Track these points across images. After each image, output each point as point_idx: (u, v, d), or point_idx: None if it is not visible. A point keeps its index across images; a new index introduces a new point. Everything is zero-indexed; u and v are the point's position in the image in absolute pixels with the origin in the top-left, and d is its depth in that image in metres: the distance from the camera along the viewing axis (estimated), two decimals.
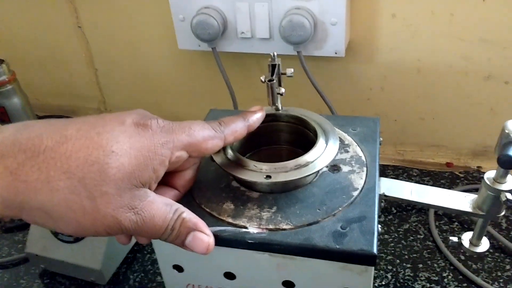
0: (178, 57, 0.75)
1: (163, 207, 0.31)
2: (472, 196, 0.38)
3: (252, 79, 0.73)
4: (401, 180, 0.68)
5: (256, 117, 0.37)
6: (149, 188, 0.31)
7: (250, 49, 0.66)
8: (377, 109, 0.70)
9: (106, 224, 0.29)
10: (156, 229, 0.31)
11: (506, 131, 0.33)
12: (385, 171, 0.71)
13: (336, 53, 0.62)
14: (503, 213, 0.37)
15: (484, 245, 0.40)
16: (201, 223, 0.32)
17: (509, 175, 0.36)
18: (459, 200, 0.38)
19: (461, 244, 0.41)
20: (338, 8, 0.58)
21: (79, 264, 0.56)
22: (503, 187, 0.36)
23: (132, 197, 0.30)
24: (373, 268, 0.33)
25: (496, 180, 0.36)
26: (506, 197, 0.35)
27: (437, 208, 0.38)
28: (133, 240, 0.63)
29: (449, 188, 0.66)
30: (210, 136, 0.34)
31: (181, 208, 0.32)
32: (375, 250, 0.31)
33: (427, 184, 0.67)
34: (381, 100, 0.69)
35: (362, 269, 0.33)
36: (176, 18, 0.67)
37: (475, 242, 0.40)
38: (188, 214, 0.32)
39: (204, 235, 0.32)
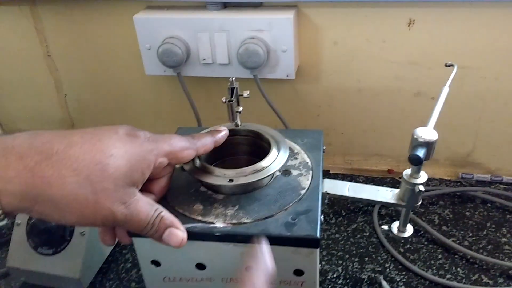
0: (145, 81, 0.81)
1: (147, 205, 0.38)
2: (396, 191, 0.47)
3: (214, 100, 0.80)
4: None
5: (222, 135, 0.45)
6: (137, 187, 0.38)
7: (211, 73, 0.73)
8: (326, 123, 0.78)
9: (103, 215, 0.35)
10: (140, 223, 0.37)
11: (415, 136, 0.42)
12: (335, 179, 0.79)
13: (287, 76, 0.71)
14: (420, 203, 0.46)
15: (409, 231, 0.49)
16: (176, 221, 0.39)
17: (421, 171, 0.45)
18: (386, 194, 0.46)
19: (391, 231, 0.49)
20: (287, 37, 0.67)
21: (59, 275, 0.60)
22: (418, 181, 0.44)
23: (124, 193, 0.36)
24: (317, 250, 0.40)
25: (412, 175, 0.45)
26: (419, 188, 0.44)
27: (369, 202, 0.46)
28: (108, 250, 0.68)
29: None
30: (185, 147, 0.41)
31: (161, 208, 0.39)
32: (318, 235, 0.39)
33: None
34: (329, 116, 0.77)
35: (309, 251, 0.40)
36: (143, 47, 0.73)
37: (401, 228, 0.48)
38: (166, 213, 0.39)
39: (179, 231, 0.39)
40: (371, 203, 0.57)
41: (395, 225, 0.49)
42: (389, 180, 0.78)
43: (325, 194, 0.47)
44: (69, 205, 0.34)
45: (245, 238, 0.40)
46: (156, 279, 0.46)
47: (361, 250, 0.65)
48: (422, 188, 0.44)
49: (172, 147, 0.40)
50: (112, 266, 0.66)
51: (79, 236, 0.61)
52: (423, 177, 0.44)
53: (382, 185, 0.76)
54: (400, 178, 0.78)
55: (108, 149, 0.36)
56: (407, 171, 0.45)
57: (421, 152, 0.40)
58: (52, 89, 0.88)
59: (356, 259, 0.64)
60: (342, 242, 0.67)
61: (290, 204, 0.42)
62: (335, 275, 0.62)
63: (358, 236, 0.68)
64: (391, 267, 0.62)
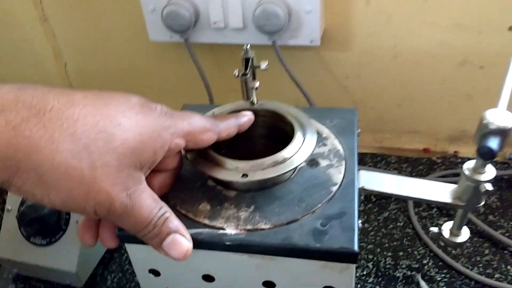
0: (149, 49, 0.73)
1: (151, 199, 0.30)
2: (452, 187, 0.38)
3: (226, 70, 0.71)
4: (379, 167, 0.69)
5: (246, 120, 0.38)
6: (144, 173, 0.30)
7: (223, 39, 0.64)
8: (354, 96, 0.69)
9: (98, 200, 0.28)
10: (139, 221, 0.29)
11: (485, 121, 0.32)
12: (363, 159, 0.71)
13: (311, 41, 0.61)
14: (482, 203, 0.37)
15: (464, 235, 0.40)
16: (182, 227, 0.31)
17: (488, 165, 0.36)
18: (439, 191, 0.37)
19: (441, 234, 0.40)
20: None
21: (54, 267, 0.55)
22: (482, 177, 0.35)
23: (129, 176, 0.28)
24: (354, 265, 0.32)
25: (475, 170, 0.35)
26: (485, 188, 0.35)
27: (417, 200, 0.37)
28: None
29: (427, 174, 0.67)
30: (207, 128, 0.34)
31: (167, 207, 0.31)
32: (356, 248, 0.31)
33: (405, 171, 0.67)
34: (358, 88, 0.68)
35: (344, 266, 0.32)
36: (146, 8, 0.64)
37: (455, 232, 0.40)
38: (171, 215, 0.31)
39: (185, 240, 0.31)
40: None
41: (446, 227, 0.40)
42: (425, 160, 0.69)
43: (361, 190, 0.38)
44: (57, 179, 0.26)
45: (262, 249, 0.32)
46: None
47: (395, 243, 0.57)
48: (489, 187, 0.35)
49: (191, 126, 0.32)
50: (115, 256, 0.60)
51: (75, 225, 0.54)
52: (489, 172, 0.35)
53: (417, 166, 0.69)
54: (438, 158, 0.69)
55: (116, 117, 0.28)
56: (469, 164, 0.36)
57: (494, 143, 0.30)
58: (51, 57, 0.80)
59: (389, 254, 0.56)
60: (373, 233, 0.59)
61: (319, 205, 0.34)
62: (365, 272, 0.54)
63: (391, 226, 0.59)
64: (430, 264, 0.54)
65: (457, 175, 0.66)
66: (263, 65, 0.38)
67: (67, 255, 0.54)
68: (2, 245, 0.56)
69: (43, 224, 0.54)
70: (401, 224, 0.60)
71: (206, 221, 0.34)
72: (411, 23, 0.60)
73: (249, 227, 0.33)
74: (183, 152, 0.37)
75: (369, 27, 0.62)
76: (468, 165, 0.36)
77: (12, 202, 0.57)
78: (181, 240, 0.31)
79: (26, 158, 0.26)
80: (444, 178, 0.65)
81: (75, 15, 0.73)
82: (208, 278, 0.36)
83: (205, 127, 0.34)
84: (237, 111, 0.39)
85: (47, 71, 0.82)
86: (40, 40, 0.78)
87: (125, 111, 0.29)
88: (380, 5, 0.60)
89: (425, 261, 0.55)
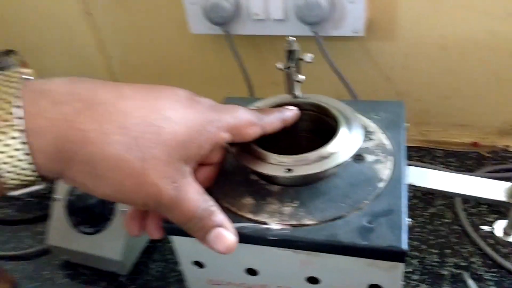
0: (190, 41, 0.73)
1: (197, 193, 0.30)
2: (506, 184, 0.36)
3: (267, 63, 0.71)
4: (425, 162, 0.67)
5: (291, 115, 0.37)
6: (191, 167, 0.31)
7: (264, 31, 0.63)
8: (399, 88, 0.67)
9: (147, 192, 0.28)
10: (186, 213, 0.30)
11: None
12: (408, 153, 0.68)
13: (355, 32, 0.59)
14: None
15: None
16: (227, 221, 0.32)
17: None
18: (492, 188, 0.36)
19: (493, 233, 0.39)
20: None
21: (100, 255, 0.56)
22: None
23: (176, 169, 0.29)
24: (402, 264, 0.31)
25: None
26: None
27: (468, 197, 0.36)
28: None
29: (476, 169, 0.64)
30: (252, 122, 0.34)
31: (212, 201, 0.31)
32: (404, 246, 0.30)
33: (452, 166, 0.65)
34: (403, 79, 0.66)
35: (391, 265, 0.31)
36: (187, 1, 0.64)
37: (508, 231, 0.38)
38: (217, 209, 0.31)
39: (229, 233, 0.31)
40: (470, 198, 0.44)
41: (499, 226, 0.38)
42: (474, 154, 0.67)
43: (409, 187, 0.37)
44: (108, 171, 0.27)
45: (307, 245, 0.32)
46: (199, 280, 0.39)
47: (441, 240, 0.55)
48: None
49: (237, 120, 0.33)
50: (158, 246, 0.61)
51: (120, 214, 0.56)
52: None
53: (465, 161, 0.66)
54: (487, 153, 0.66)
55: (165, 110, 0.29)
56: None
57: None
58: (95, 50, 0.82)
59: (435, 251, 0.54)
60: (418, 229, 0.57)
61: (365, 202, 0.33)
62: (409, 269, 0.53)
63: (437, 222, 0.57)
64: (478, 263, 0.52)
65: (508, 170, 0.63)
66: (308, 57, 0.37)
67: (112, 243, 0.55)
68: (52, 233, 0.58)
69: (90, 213, 0.56)
70: (448, 220, 0.57)
71: (250, 216, 0.34)
72: (460, 12, 0.57)
73: (293, 222, 0.33)
74: (226, 145, 0.37)
75: (415, 17, 0.60)
76: None
77: (61, 192, 0.58)
78: (226, 234, 0.31)
79: (79, 150, 0.27)
80: (493, 173, 0.62)
81: (118, 9, 0.75)
82: (251, 271, 0.36)
83: (250, 121, 0.34)
84: (280, 104, 0.39)
85: (92, 65, 0.84)
86: (84, 34, 0.80)
87: (173, 104, 0.30)
88: None
89: (473, 260, 0.53)
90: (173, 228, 0.33)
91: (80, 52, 0.83)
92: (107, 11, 0.76)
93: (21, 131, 0.25)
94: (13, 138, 0.25)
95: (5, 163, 0.25)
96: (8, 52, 0.69)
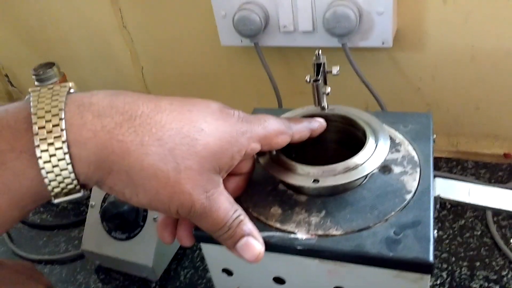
0: (221, 53, 0.75)
1: (227, 202, 0.32)
2: None
3: (295, 73, 0.72)
4: (455, 173, 0.66)
5: (319, 125, 0.38)
6: (222, 177, 0.32)
7: (293, 43, 0.64)
8: (428, 99, 0.67)
9: (181, 201, 0.29)
10: (216, 222, 0.31)
11: None
12: (438, 164, 0.68)
13: (383, 43, 0.60)
14: None
15: None
16: (255, 230, 0.33)
17: None
18: None
19: None
20: None
21: (132, 261, 0.58)
22: None
23: (208, 179, 0.30)
24: (429, 276, 0.31)
25: None
26: None
27: (498, 211, 0.36)
28: None
29: (508, 181, 0.63)
30: (281, 131, 0.35)
31: (242, 210, 0.33)
32: (431, 258, 0.30)
33: (483, 177, 0.64)
34: (432, 90, 0.66)
35: (418, 277, 0.31)
36: (218, 14, 0.66)
37: None
38: (246, 218, 0.32)
39: (257, 243, 0.32)
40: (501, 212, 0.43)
41: None
42: (506, 166, 0.65)
43: (437, 199, 0.37)
44: (145, 181, 0.29)
45: (334, 255, 0.32)
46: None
47: (471, 253, 0.54)
48: None
49: (266, 130, 0.34)
50: (188, 253, 0.62)
51: (152, 221, 0.57)
52: None
53: (496, 173, 0.65)
54: None
55: (198, 122, 0.30)
56: None
57: None
58: (129, 61, 0.85)
59: (465, 264, 0.53)
60: (447, 241, 0.56)
61: (392, 213, 0.33)
62: (438, 282, 0.52)
63: (467, 235, 0.57)
64: (509, 276, 0.51)
65: None
66: (335, 70, 0.38)
67: (144, 249, 0.57)
68: (86, 238, 0.61)
69: (123, 219, 0.58)
70: (478, 233, 0.57)
71: (278, 225, 0.34)
72: (490, 23, 0.57)
73: (320, 232, 0.33)
74: (255, 156, 0.38)
75: (444, 27, 0.59)
76: None
77: (96, 199, 0.61)
78: (254, 243, 0.32)
79: (119, 160, 0.28)
80: None
81: (151, 22, 0.77)
82: (279, 280, 0.37)
83: (279, 130, 0.35)
84: (307, 115, 0.40)
85: (125, 75, 0.87)
86: (119, 45, 0.83)
87: (206, 116, 0.31)
88: (458, 3, 0.57)
89: (504, 273, 0.52)
90: (203, 236, 0.34)
91: (115, 64, 0.86)
92: (140, 24, 0.79)
93: (64, 142, 0.27)
94: (58, 148, 0.27)
95: (49, 172, 0.27)
96: (49, 65, 0.72)
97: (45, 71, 0.70)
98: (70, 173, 0.27)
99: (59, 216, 0.73)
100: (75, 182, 0.28)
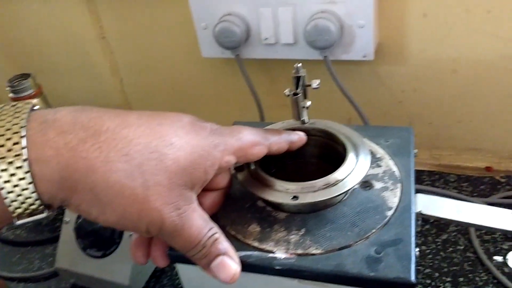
0: (202, 65, 0.74)
1: (201, 219, 0.30)
2: None
3: (277, 85, 0.71)
4: (437, 186, 0.65)
5: (298, 138, 0.37)
6: (195, 193, 0.30)
7: (274, 55, 0.64)
8: (410, 111, 0.67)
9: (150, 219, 0.28)
10: (189, 240, 0.30)
11: None
12: (420, 177, 0.68)
13: (364, 56, 0.59)
14: None
15: None
16: (231, 249, 0.31)
17: None
18: (505, 218, 0.35)
19: (506, 264, 0.37)
20: (365, 10, 0.55)
21: (108, 279, 0.56)
22: None
23: (179, 195, 0.29)
24: None
25: None
26: None
27: (480, 227, 0.35)
28: None
29: (490, 194, 0.63)
30: (256, 142, 0.34)
31: (217, 228, 0.31)
32: (413, 278, 0.29)
33: (465, 190, 0.64)
34: (414, 103, 0.66)
35: None
36: (199, 26, 0.65)
37: None
38: (221, 236, 0.31)
39: (233, 263, 0.31)
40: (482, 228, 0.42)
41: None
42: (488, 179, 0.65)
43: (418, 215, 0.36)
44: (112, 198, 0.27)
45: (313, 275, 0.31)
46: None
47: (455, 268, 0.54)
48: None
49: (241, 141, 0.33)
50: (166, 270, 0.60)
51: (128, 238, 0.55)
52: None
53: (478, 186, 0.65)
54: (501, 177, 0.65)
55: (169, 137, 0.29)
56: None
57: None
58: (108, 73, 0.83)
59: (448, 279, 0.53)
60: (430, 256, 0.56)
61: (373, 231, 0.32)
62: None
63: (450, 249, 0.56)
64: None
65: None
66: (315, 83, 0.37)
67: (120, 267, 0.55)
68: (61, 255, 0.58)
69: (99, 236, 0.56)
70: (462, 247, 0.56)
71: (256, 244, 0.33)
72: (471, 36, 0.57)
73: (299, 251, 0.32)
74: (232, 171, 0.37)
75: (426, 40, 0.59)
76: None
77: (70, 214, 0.59)
78: (229, 262, 0.31)
79: (83, 178, 0.27)
80: (508, 199, 0.61)
81: (131, 33, 0.76)
82: None
83: (254, 141, 0.34)
84: (288, 129, 0.39)
85: (105, 87, 0.85)
86: (98, 56, 0.81)
87: (177, 130, 0.30)
88: (438, 17, 0.57)
89: None
90: (178, 256, 0.32)
91: (94, 75, 0.84)
92: (120, 34, 0.77)
93: (25, 160, 0.26)
94: (19, 167, 0.26)
95: (10, 192, 0.26)
96: (25, 76, 0.70)
97: (20, 83, 0.68)
98: (32, 193, 0.26)
99: (33, 232, 0.71)
100: (38, 202, 0.26)
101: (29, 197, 0.26)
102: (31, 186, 0.26)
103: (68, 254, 0.58)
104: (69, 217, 0.59)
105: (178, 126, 0.30)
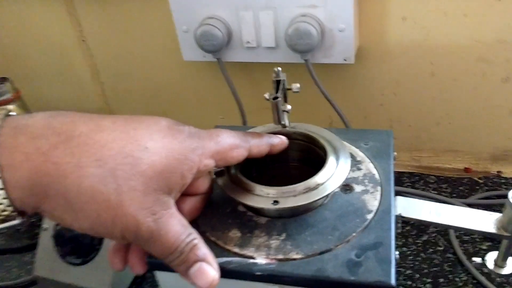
0: (183, 68, 0.73)
1: (179, 225, 0.30)
2: (496, 216, 0.35)
3: (259, 89, 0.71)
4: (417, 188, 0.66)
5: (279, 141, 0.37)
6: (173, 198, 0.30)
7: (256, 58, 0.64)
8: (390, 114, 0.67)
9: (125, 225, 0.28)
10: (166, 246, 0.29)
11: None
12: (400, 179, 0.68)
13: (345, 60, 0.60)
14: None
15: (510, 266, 0.37)
16: (210, 255, 0.31)
17: None
18: (483, 220, 0.35)
19: (485, 265, 0.38)
20: (345, 13, 0.56)
21: (88, 287, 0.55)
22: None
23: (155, 200, 0.28)
24: None
25: None
26: None
27: (458, 229, 0.35)
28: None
29: (468, 195, 0.63)
30: (236, 145, 0.33)
31: (196, 234, 0.31)
32: (393, 281, 0.29)
33: (445, 191, 0.65)
34: (394, 106, 0.66)
35: None
36: (180, 29, 0.65)
37: (500, 263, 0.37)
38: (200, 242, 0.31)
39: (211, 269, 0.30)
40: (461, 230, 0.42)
41: (490, 258, 0.38)
42: (466, 180, 0.66)
43: (398, 218, 0.36)
44: (84, 204, 0.27)
45: (294, 280, 0.31)
46: None
47: (435, 269, 0.54)
48: None
49: (219, 145, 0.32)
50: (148, 276, 0.60)
51: (109, 245, 0.54)
52: None
53: (457, 187, 0.66)
54: (480, 178, 0.66)
55: (143, 140, 0.28)
56: None
57: None
58: (88, 77, 0.82)
59: (429, 280, 0.53)
60: (411, 257, 0.56)
61: (353, 234, 0.33)
62: None
63: (431, 250, 0.57)
64: None
65: (501, 196, 0.62)
66: (295, 87, 0.37)
67: (101, 274, 0.54)
68: (39, 263, 0.57)
69: (78, 243, 0.55)
70: (442, 248, 0.57)
71: (236, 249, 0.33)
72: (449, 39, 0.58)
73: (280, 256, 0.32)
74: (213, 175, 0.37)
75: (405, 44, 0.60)
76: None
77: (49, 221, 0.58)
78: (208, 269, 0.30)
79: (54, 184, 0.26)
80: (487, 199, 0.62)
81: (111, 36, 0.75)
82: None
83: (234, 144, 0.33)
84: (269, 133, 0.39)
85: (85, 91, 0.84)
86: (78, 60, 0.80)
87: (153, 134, 0.29)
88: (417, 21, 0.58)
89: None
90: (157, 263, 0.32)
91: (74, 79, 0.83)
92: (100, 38, 0.76)
93: None
94: None
95: None
96: (2, 80, 0.69)
97: None
98: (3, 199, 0.26)
99: (11, 240, 0.69)
100: (10, 208, 0.26)
101: (1, 203, 0.26)
102: (2, 192, 0.25)
103: (47, 261, 0.57)
104: (48, 224, 0.58)
105: (154, 130, 0.30)
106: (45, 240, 0.57)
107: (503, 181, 0.65)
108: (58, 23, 0.77)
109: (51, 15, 0.76)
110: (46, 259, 0.57)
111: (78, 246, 0.55)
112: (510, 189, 0.59)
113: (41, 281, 0.58)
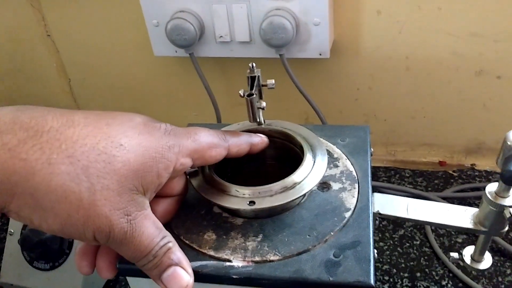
0: (154, 64, 0.71)
1: (153, 227, 0.28)
2: (473, 211, 0.35)
3: (234, 85, 0.70)
4: (393, 182, 0.66)
5: (260, 140, 0.36)
6: (148, 198, 0.29)
7: (229, 53, 0.62)
8: (366, 109, 0.67)
9: (97, 225, 0.26)
10: (139, 249, 0.28)
11: (509, 142, 0.29)
12: (376, 173, 0.68)
13: (320, 54, 0.59)
14: (506, 229, 0.34)
15: (487, 260, 0.37)
16: (185, 260, 0.30)
17: None
18: (459, 216, 0.35)
19: (462, 260, 0.38)
20: (320, 7, 0.55)
21: None
22: (506, 202, 0.33)
23: (130, 201, 0.27)
24: None
25: (498, 194, 0.33)
26: (510, 213, 0.32)
27: (435, 225, 0.35)
28: None
29: (443, 188, 0.64)
30: (215, 144, 0.32)
31: (170, 237, 0.30)
32: (372, 281, 0.28)
33: (420, 185, 0.65)
34: (370, 100, 0.66)
35: None
36: (150, 23, 0.63)
37: (477, 258, 0.37)
38: (175, 246, 0.30)
39: (185, 274, 0.29)
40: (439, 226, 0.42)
41: (467, 252, 0.38)
42: (441, 174, 0.67)
43: (376, 215, 0.36)
44: (54, 204, 0.25)
45: (272, 283, 0.30)
46: None
47: (412, 263, 0.54)
48: None
49: (197, 143, 0.31)
50: (120, 280, 0.58)
51: None
52: None
53: (433, 180, 0.66)
54: (454, 171, 0.66)
55: (118, 137, 0.27)
56: (491, 187, 0.33)
57: None
58: (54, 73, 0.79)
59: (406, 274, 0.53)
60: (388, 252, 0.56)
61: (331, 233, 0.32)
62: None
63: (407, 245, 0.57)
64: (449, 285, 0.52)
65: (475, 189, 0.63)
66: (270, 83, 0.36)
67: (71, 279, 0.52)
68: (5, 269, 0.55)
69: (46, 248, 0.52)
70: (418, 242, 0.57)
71: (212, 253, 0.32)
72: (424, 33, 0.58)
73: (257, 258, 0.31)
74: (187, 176, 0.35)
75: (380, 38, 0.60)
76: (491, 189, 0.33)
77: (15, 225, 0.55)
78: (182, 274, 0.29)
79: (22, 181, 0.25)
80: (461, 192, 0.63)
81: (78, 30, 0.72)
82: None
83: (212, 143, 0.32)
84: (245, 131, 0.38)
85: (51, 88, 0.81)
86: (43, 56, 0.77)
87: (127, 131, 0.28)
88: (391, 15, 0.58)
89: (444, 282, 0.52)
90: (129, 269, 0.30)
91: (40, 76, 0.80)
92: (66, 32, 0.73)
93: None
94: None
95: None
96: None
97: None
98: None
99: None
100: None
101: None
102: None
103: (14, 267, 0.55)
104: (14, 228, 0.55)
105: (128, 126, 0.28)
106: (12, 245, 0.55)
107: (477, 173, 0.66)
108: (21, 18, 0.73)
109: (13, 9, 0.72)
110: (13, 264, 0.55)
111: (47, 251, 0.53)
112: (484, 182, 0.60)
113: (8, 287, 0.56)
